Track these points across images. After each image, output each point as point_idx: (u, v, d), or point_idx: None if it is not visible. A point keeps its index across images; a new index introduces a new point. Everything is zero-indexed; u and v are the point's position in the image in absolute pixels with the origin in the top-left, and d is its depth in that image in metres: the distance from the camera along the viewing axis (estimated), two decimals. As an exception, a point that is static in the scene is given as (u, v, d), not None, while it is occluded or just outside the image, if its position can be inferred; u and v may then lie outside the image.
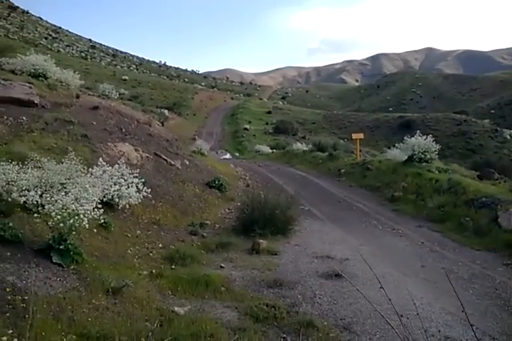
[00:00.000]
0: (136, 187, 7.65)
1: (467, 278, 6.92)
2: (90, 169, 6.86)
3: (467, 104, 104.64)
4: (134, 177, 7.67)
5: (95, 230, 6.43)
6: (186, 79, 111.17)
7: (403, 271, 7.19)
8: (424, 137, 15.26)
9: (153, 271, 6.11)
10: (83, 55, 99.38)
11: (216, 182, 12.38)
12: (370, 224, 10.62)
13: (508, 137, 48.86)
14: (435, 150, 15.34)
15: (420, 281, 6.75)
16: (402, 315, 5.22)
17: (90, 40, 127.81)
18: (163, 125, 22.74)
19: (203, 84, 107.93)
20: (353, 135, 21.35)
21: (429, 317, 5.37)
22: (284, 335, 4.62)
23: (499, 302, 5.98)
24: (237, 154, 33.24)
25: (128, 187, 7.49)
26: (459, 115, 60.19)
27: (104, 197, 7.03)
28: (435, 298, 5.99)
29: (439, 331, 4.95)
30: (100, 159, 7.56)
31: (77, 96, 12.28)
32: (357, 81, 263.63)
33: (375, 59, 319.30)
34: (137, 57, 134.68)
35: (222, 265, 6.85)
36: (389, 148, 20.15)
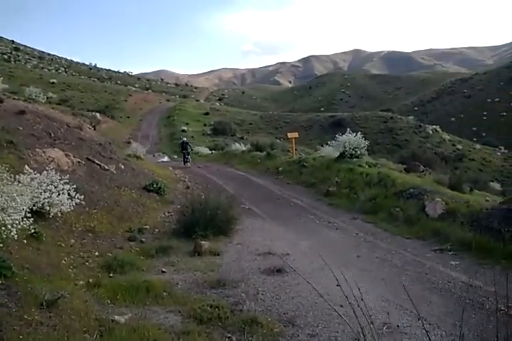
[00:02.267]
0: (68, 194, 7.35)
1: (400, 265, 7.34)
2: (17, 177, 6.48)
3: (393, 102, 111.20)
4: (64, 183, 7.41)
5: (25, 241, 6.04)
6: (119, 81, 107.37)
7: (340, 262, 7.46)
8: (354, 134, 15.98)
9: (90, 280, 5.86)
10: (6, 57, 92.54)
11: (154, 186, 12.11)
12: (308, 219, 10.95)
13: (431, 132, 52.47)
14: (364, 147, 16.13)
15: (357, 271, 7.06)
16: (341, 305, 5.46)
17: (13, 41, 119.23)
18: (95, 129, 21.84)
19: (136, 85, 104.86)
20: (288, 134, 21.89)
21: (367, 305, 5.62)
22: (229, 335, 4.63)
23: (429, 286, 6.40)
24: (176, 156, 32.68)
25: (59, 194, 7.19)
26: (385, 113, 63.84)
27: (34, 205, 6.71)
28: (372, 287, 6.29)
29: (378, 318, 5.21)
30: (26, 166, 7.14)
31: (1, 101, 11.49)
32: (290, 82, 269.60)
33: (307, 61, 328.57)
34: (65, 60, 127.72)
35: (164, 269, 6.72)
36: (322, 145, 20.84)
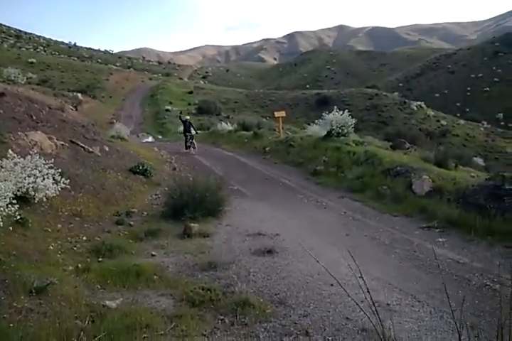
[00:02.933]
0: (53, 178, 7.22)
1: (388, 243, 7.44)
2: (0, 162, 6.29)
3: (378, 79, 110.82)
4: (49, 167, 7.27)
5: (11, 228, 5.94)
6: (99, 60, 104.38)
7: (330, 241, 7.54)
8: (341, 112, 15.89)
9: (79, 265, 5.81)
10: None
11: (140, 168, 11.95)
12: (297, 199, 10.98)
13: (416, 108, 52.58)
14: (351, 125, 16.07)
15: (346, 250, 7.12)
16: (332, 284, 5.52)
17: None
18: (76, 109, 21.36)
19: (118, 64, 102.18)
20: (275, 113, 21.69)
21: (357, 283, 5.68)
22: (222, 317, 4.64)
23: (418, 263, 6.51)
24: (161, 137, 32.27)
25: (44, 178, 7.06)
26: (370, 89, 63.65)
27: (19, 191, 6.59)
28: (361, 265, 6.30)
29: (366, 297, 5.28)
30: (10, 150, 6.95)
31: (-23, 83, 11.06)
32: (275, 59, 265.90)
33: (291, 37, 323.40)
34: (44, 38, 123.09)
35: (153, 253, 6.68)
36: (309, 124, 20.76)
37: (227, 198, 9.51)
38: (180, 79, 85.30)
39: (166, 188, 10.20)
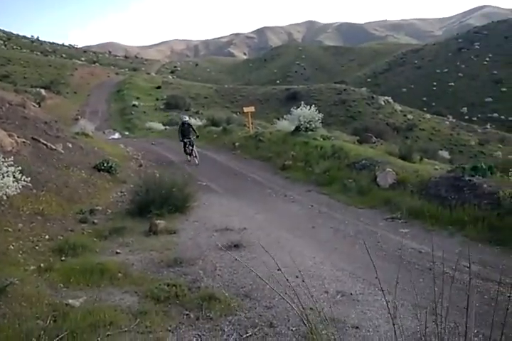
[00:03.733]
0: (13, 176, 6.99)
1: (353, 234, 7.59)
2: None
3: (346, 74, 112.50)
4: (9, 165, 7.04)
5: (-31, 228, 5.73)
6: (64, 55, 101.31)
7: (296, 233, 7.64)
8: (309, 107, 16.09)
9: (42, 265, 5.67)
10: None
11: (105, 165, 11.71)
12: (265, 193, 11.05)
13: (383, 103, 53.67)
14: (319, 120, 16.33)
15: (312, 242, 7.25)
16: (297, 276, 5.60)
17: None
18: (40, 106, 20.69)
19: (82, 59, 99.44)
20: (244, 108, 21.63)
21: (322, 274, 5.80)
22: (187, 312, 4.64)
23: (381, 254, 6.66)
24: (127, 133, 31.64)
25: (3, 177, 6.83)
26: (339, 85, 64.44)
27: (-23, 190, 6.32)
28: (326, 256, 6.49)
29: (331, 287, 5.40)
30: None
31: None
32: (245, 54, 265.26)
33: (261, 32, 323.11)
34: (4, 32, 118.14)
35: (118, 251, 6.58)
36: (279, 119, 20.85)
37: (195, 194, 9.46)
38: (148, 74, 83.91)
39: (132, 185, 10.06)
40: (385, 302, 5.02)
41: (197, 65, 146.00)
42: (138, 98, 49.59)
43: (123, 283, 5.35)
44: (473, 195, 8.42)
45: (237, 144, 17.91)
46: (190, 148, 15.51)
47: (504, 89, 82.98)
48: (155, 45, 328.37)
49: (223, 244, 6.77)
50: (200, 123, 25.18)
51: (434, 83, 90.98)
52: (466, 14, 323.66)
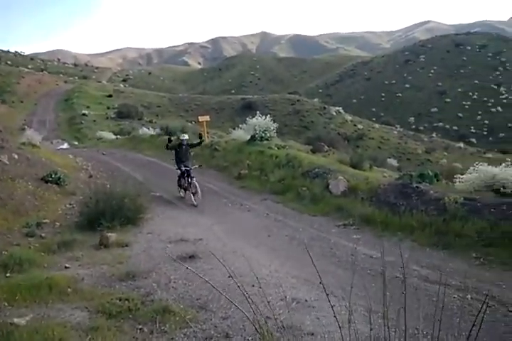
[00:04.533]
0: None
1: (307, 241, 7.69)
2: None
3: (299, 85, 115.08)
4: None
5: None
6: (9, 62, 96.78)
7: (252, 243, 7.64)
8: (264, 117, 16.28)
9: (-17, 282, 5.31)
10: None
11: (53, 176, 11.21)
12: (221, 203, 10.99)
13: (334, 113, 55.32)
14: (274, 129, 16.53)
15: (268, 250, 7.28)
16: (253, 285, 5.59)
17: None
18: (-19, 115, 19.57)
19: (30, 67, 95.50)
20: (199, 117, 21.52)
21: (277, 282, 5.82)
22: (140, 326, 4.50)
23: (334, 260, 6.80)
24: (77, 143, 30.57)
25: None
26: (292, 95, 65.77)
27: None
28: (282, 264, 6.54)
29: (287, 294, 5.42)
30: None
31: None
32: (199, 63, 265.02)
33: (215, 42, 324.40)
34: None
35: (67, 265, 6.29)
36: (234, 128, 20.92)
37: (148, 205, 9.25)
38: (99, 82, 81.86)
39: (81, 197, 9.69)
40: (339, 308, 5.16)
41: (150, 73, 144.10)
42: (88, 107, 48.14)
43: (73, 299, 5.12)
44: (420, 201, 8.79)
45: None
46: (189, 180, 10.94)
47: (448, 100, 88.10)
48: (106, 53, 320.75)
49: (178, 256, 6.65)
50: (152, 132, 24.75)
51: (383, 94, 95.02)
52: (412, 28, 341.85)
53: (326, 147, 19.76)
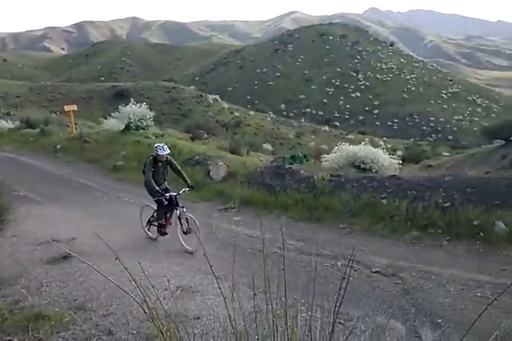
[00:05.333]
0: None
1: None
2: None
3: (174, 72, 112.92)
4: None
5: None
6: None
7: (132, 236, 7.39)
8: (139, 105, 15.68)
9: None
10: None
11: None
12: (95, 197, 10.38)
13: (212, 101, 55.69)
14: (150, 118, 16.06)
15: (148, 241, 7.11)
16: (133, 279, 5.43)
17: None
18: None
19: None
20: (65, 107, 19.87)
21: (161, 273, 5.74)
22: (9, 337, 4.07)
23: (217, 244, 6.94)
24: None
25: None
26: (168, 83, 64.29)
27: None
28: (164, 255, 6.46)
29: (172, 283, 5.39)
30: None
31: None
32: (63, 49, 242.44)
33: (80, 26, 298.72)
34: None
35: None
36: (106, 118, 19.77)
37: (10, 206, 8.28)
38: None
39: None
40: (223, 289, 5.31)
41: (5, 60, 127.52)
42: None
43: None
44: (293, 180, 9.43)
45: (58, 147, 16.32)
46: (177, 212, 6.99)
47: (314, 87, 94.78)
48: None
49: (49, 258, 6.13)
50: (11, 125, 22.14)
51: (256, 82, 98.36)
52: (280, 18, 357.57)
53: (206, 134, 19.91)
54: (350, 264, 3.01)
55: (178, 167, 7.67)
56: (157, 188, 6.96)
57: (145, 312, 2.51)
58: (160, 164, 7.36)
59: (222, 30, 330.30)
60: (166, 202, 6.98)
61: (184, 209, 6.97)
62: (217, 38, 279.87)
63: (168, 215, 7.23)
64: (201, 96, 57.01)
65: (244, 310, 4.62)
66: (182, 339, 2.45)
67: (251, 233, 7.33)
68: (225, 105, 57.22)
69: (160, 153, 7.15)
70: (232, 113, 54.70)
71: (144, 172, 7.35)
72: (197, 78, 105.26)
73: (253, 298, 2.56)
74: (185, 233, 6.79)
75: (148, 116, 15.96)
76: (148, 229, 7.54)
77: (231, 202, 9.01)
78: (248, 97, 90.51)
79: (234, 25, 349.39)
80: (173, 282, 5.43)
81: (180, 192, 7.25)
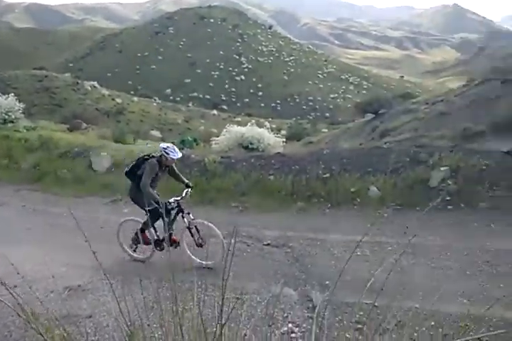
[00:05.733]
0: None
1: (73, 226, 7.18)
2: None
3: (45, 59, 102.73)
4: None
5: None
6: None
7: (11, 240, 6.70)
8: (6, 96, 14.45)
9: None
10: None
11: None
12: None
13: (89, 88, 51.91)
14: (20, 109, 14.87)
15: (32, 244, 6.53)
16: (16, 286, 4.95)
17: None
18: None
19: None
20: None
21: (45, 275, 5.31)
22: None
23: (106, 238, 6.46)
24: None
25: None
26: (39, 71, 58.31)
27: None
28: (48, 255, 5.98)
29: (59, 284, 5.03)
30: None
31: None
32: None
33: None
34: None
35: None
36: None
37: None
38: None
39: None
40: (114, 284, 5.09)
41: None
42: None
43: None
44: (184, 165, 9.33)
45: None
46: (186, 221, 5.71)
47: (199, 71, 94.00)
48: None
49: None
50: None
51: (138, 67, 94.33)
52: (159, 0, 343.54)
53: (85, 124, 18.60)
54: (234, 238, 3.12)
55: (177, 170, 6.35)
56: (158, 198, 5.60)
57: (19, 315, 2.32)
58: (163, 168, 5.98)
59: (96, 12, 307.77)
60: (152, 213, 5.16)
61: (191, 216, 5.68)
62: (92, 21, 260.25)
63: (170, 227, 5.66)
64: (77, 83, 52.74)
65: (138, 302, 4.54)
66: (73, 339, 2.32)
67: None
68: (105, 92, 53.73)
69: (172, 156, 5.72)
70: (113, 100, 51.57)
71: (130, 174, 6.07)
72: (71, 64, 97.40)
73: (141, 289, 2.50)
74: (198, 245, 5.59)
75: (17, 108, 14.67)
76: (135, 250, 6.20)
77: (118, 193, 8.61)
78: (130, 82, 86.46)
79: (108, 8, 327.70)
80: (59, 283, 5.07)
81: (183, 195, 5.93)
